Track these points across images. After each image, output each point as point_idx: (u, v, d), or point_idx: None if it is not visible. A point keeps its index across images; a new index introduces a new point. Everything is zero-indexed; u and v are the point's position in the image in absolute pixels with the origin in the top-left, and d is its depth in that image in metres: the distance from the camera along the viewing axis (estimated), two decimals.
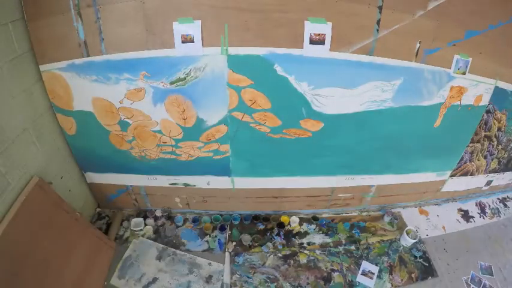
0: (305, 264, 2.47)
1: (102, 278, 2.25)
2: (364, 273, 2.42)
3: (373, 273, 2.42)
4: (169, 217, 2.76)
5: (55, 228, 1.93)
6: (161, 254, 2.46)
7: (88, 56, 1.86)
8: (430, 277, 2.42)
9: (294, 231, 2.71)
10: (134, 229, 2.61)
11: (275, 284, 2.33)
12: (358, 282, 2.36)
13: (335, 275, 2.41)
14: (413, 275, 2.43)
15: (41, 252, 1.80)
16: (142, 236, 2.59)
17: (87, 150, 2.32)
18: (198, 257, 2.47)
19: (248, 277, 2.35)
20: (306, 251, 2.55)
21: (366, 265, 2.48)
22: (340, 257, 2.52)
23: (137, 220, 2.66)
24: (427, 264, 2.50)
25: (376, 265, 2.47)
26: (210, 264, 2.44)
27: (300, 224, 2.77)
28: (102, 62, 1.88)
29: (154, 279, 2.30)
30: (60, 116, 2.12)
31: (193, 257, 2.48)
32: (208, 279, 2.35)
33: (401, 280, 2.40)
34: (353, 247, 2.61)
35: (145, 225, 2.66)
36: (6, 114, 1.71)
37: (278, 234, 2.66)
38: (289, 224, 2.75)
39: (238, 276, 2.36)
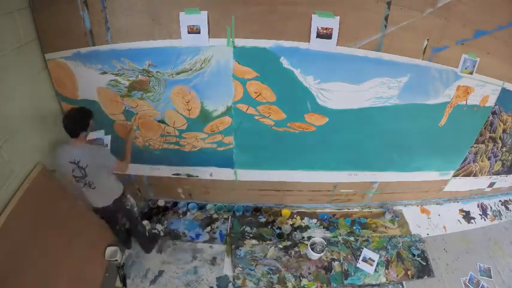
0: (306, 254, 2.49)
1: (103, 266, 2.28)
2: (364, 260, 2.47)
3: (373, 260, 2.47)
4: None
5: (57, 216, 1.95)
6: (161, 247, 2.48)
7: (94, 45, 1.87)
8: (426, 276, 2.43)
9: (295, 225, 2.73)
10: (109, 259, 2.29)
11: (277, 275, 2.35)
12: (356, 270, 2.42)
13: (335, 264, 2.45)
14: (409, 272, 2.44)
15: (43, 239, 1.82)
16: None
17: None
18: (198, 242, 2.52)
19: (250, 269, 2.37)
20: (306, 242, 2.55)
21: (366, 252, 2.52)
22: (339, 246, 2.55)
23: (112, 249, 2.32)
24: (424, 264, 2.50)
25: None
26: (211, 247, 2.49)
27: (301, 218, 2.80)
28: (107, 51, 1.88)
29: (160, 272, 2.33)
30: (65, 105, 2.12)
31: (193, 243, 2.51)
32: (213, 261, 2.41)
33: (397, 276, 2.42)
34: (352, 238, 2.63)
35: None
36: (11, 102, 1.72)
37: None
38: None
39: (241, 269, 2.37)
